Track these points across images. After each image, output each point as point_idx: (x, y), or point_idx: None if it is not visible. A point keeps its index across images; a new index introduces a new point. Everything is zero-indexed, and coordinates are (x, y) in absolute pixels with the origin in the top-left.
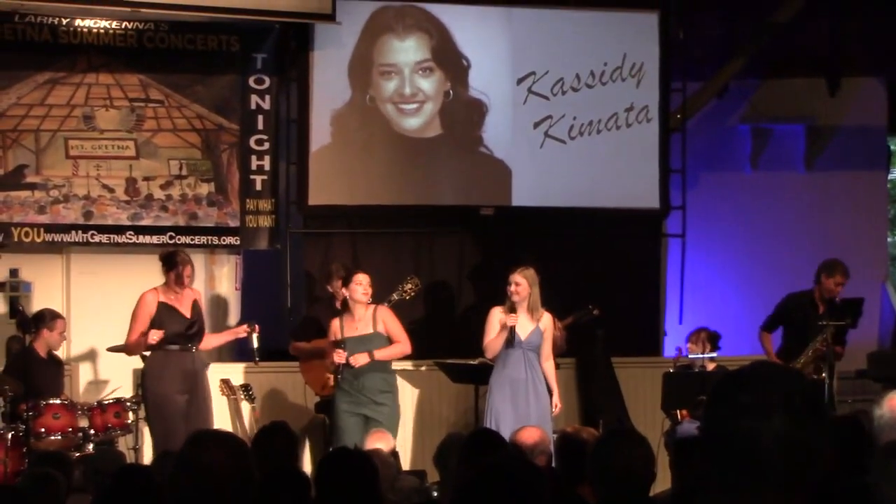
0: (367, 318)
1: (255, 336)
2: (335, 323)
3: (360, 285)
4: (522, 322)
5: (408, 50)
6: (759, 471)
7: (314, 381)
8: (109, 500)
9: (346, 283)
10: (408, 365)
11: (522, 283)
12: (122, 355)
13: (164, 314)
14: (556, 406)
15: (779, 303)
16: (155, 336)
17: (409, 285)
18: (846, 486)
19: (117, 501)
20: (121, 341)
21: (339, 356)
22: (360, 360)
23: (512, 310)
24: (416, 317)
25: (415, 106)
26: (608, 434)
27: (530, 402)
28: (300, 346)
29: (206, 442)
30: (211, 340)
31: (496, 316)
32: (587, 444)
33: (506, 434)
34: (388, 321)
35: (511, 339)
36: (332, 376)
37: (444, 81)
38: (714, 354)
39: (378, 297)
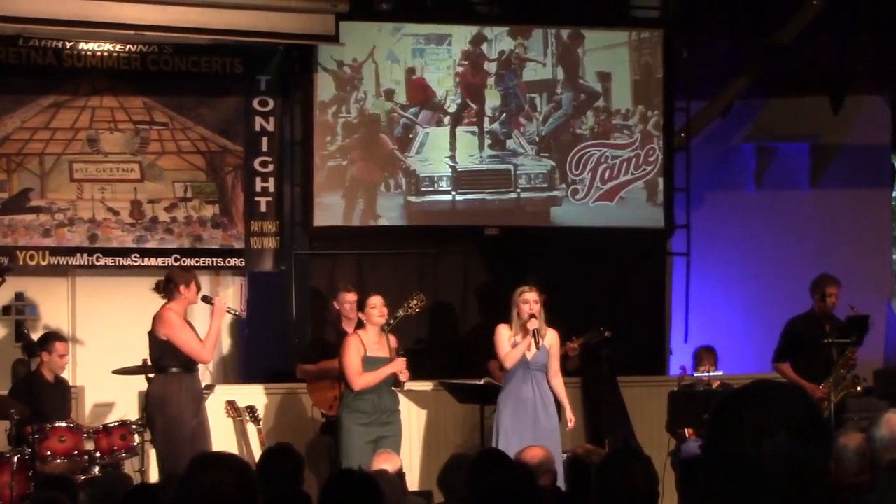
0: (382, 341)
1: (232, 311)
2: (357, 340)
3: (376, 308)
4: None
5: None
6: (762, 489)
7: (321, 400)
8: None
9: (361, 307)
10: (413, 385)
11: (538, 299)
12: (128, 378)
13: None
14: (570, 420)
15: (784, 330)
16: (223, 305)
17: (415, 301)
18: None
19: None
20: (127, 363)
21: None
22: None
23: (523, 329)
24: (421, 336)
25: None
26: (612, 455)
27: (540, 420)
28: (307, 368)
29: (210, 464)
30: (210, 342)
31: (505, 332)
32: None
33: (513, 453)
34: (394, 349)
35: (536, 343)
36: (338, 395)
37: None
38: (720, 373)
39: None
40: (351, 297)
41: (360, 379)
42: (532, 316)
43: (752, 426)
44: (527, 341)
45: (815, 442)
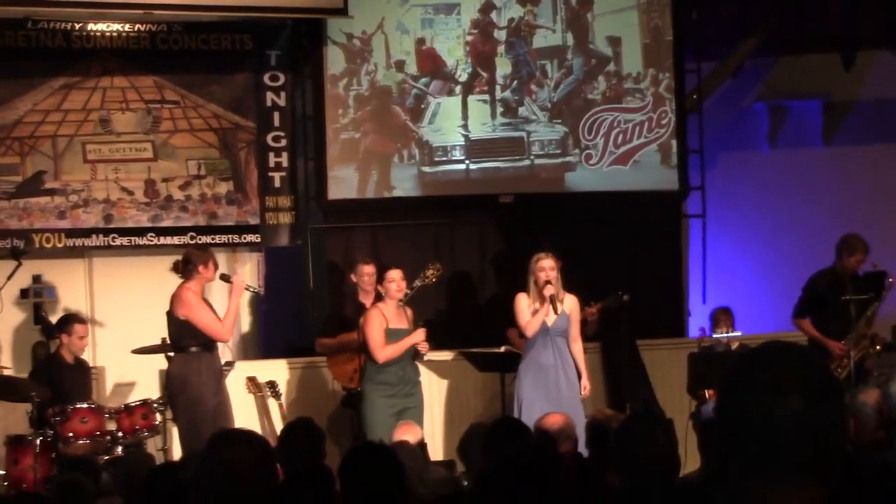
0: (401, 314)
1: (250, 288)
2: (379, 312)
3: (394, 282)
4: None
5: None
6: (776, 451)
7: (341, 373)
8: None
9: (380, 279)
10: (434, 355)
11: (554, 266)
12: (148, 357)
13: (211, 310)
14: (584, 388)
15: (806, 286)
16: (241, 283)
17: (431, 270)
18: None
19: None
20: (147, 343)
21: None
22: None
23: (541, 296)
24: (439, 306)
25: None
26: (631, 419)
27: (561, 388)
28: (326, 342)
29: (230, 440)
30: (229, 320)
31: (524, 301)
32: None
33: (531, 420)
34: (411, 321)
35: (555, 308)
36: (358, 367)
37: None
38: (738, 333)
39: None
40: (369, 270)
41: (384, 351)
42: (547, 282)
43: (764, 388)
44: (545, 308)
45: (827, 402)
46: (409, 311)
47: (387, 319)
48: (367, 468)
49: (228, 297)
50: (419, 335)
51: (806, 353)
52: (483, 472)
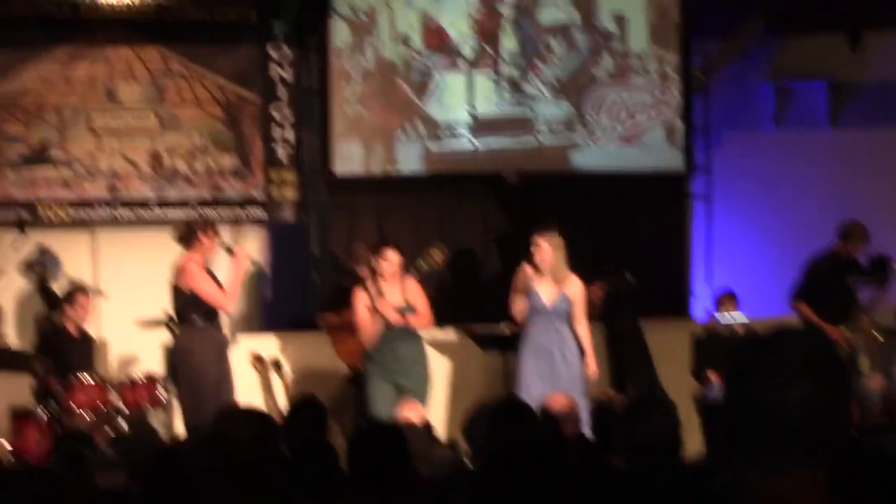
0: (394, 289)
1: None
2: (363, 295)
3: (388, 262)
4: (548, 288)
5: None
6: (784, 435)
7: (345, 352)
8: (147, 490)
9: (377, 253)
10: (437, 333)
11: (544, 246)
12: (152, 330)
13: (215, 281)
14: (591, 370)
15: (806, 269)
16: (244, 255)
17: (437, 252)
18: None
19: (154, 491)
20: (150, 315)
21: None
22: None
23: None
24: (443, 284)
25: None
26: (635, 402)
27: (559, 369)
28: (330, 317)
29: (234, 417)
30: (233, 291)
31: (520, 275)
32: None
33: (535, 401)
34: (413, 293)
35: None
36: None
37: None
38: (742, 315)
39: (405, 266)
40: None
41: (364, 336)
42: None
43: (773, 373)
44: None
45: (835, 387)
46: (408, 283)
47: (372, 299)
48: (376, 448)
49: (232, 269)
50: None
51: (813, 338)
52: (488, 455)
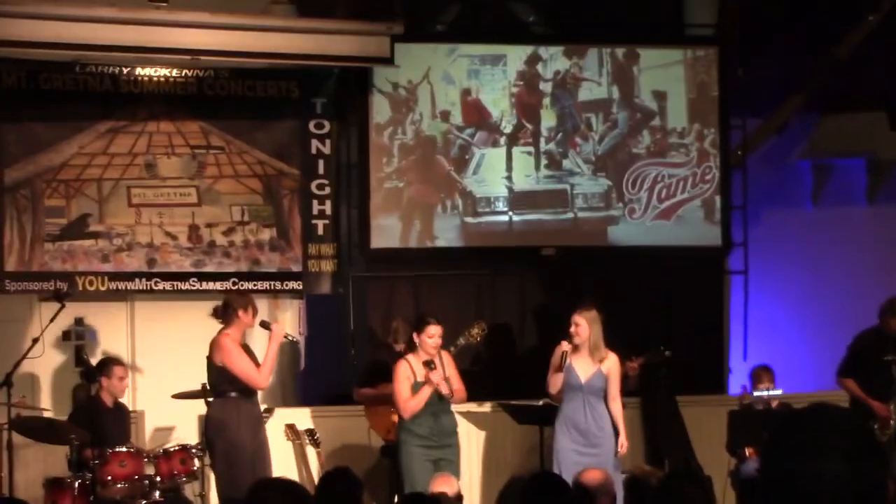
0: (436, 362)
1: (289, 337)
2: (406, 366)
3: (433, 338)
4: (584, 364)
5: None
6: None
7: (379, 425)
8: None
9: (419, 329)
10: (473, 407)
11: (582, 324)
12: (187, 402)
13: (250, 356)
14: (622, 446)
15: (851, 344)
16: (281, 331)
17: (476, 329)
18: None
19: None
20: (187, 388)
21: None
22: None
23: (575, 349)
24: (480, 358)
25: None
26: (670, 476)
27: (593, 444)
28: (365, 392)
29: (269, 489)
30: (267, 367)
31: (557, 352)
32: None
33: (569, 476)
34: (449, 367)
35: (562, 367)
36: (397, 420)
37: None
38: (779, 392)
39: (444, 340)
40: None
41: (407, 405)
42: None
43: (809, 449)
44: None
45: (870, 464)
46: (447, 357)
47: (415, 373)
48: None
49: (267, 344)
50: (432, 380)
51: (849, 415)
52: None
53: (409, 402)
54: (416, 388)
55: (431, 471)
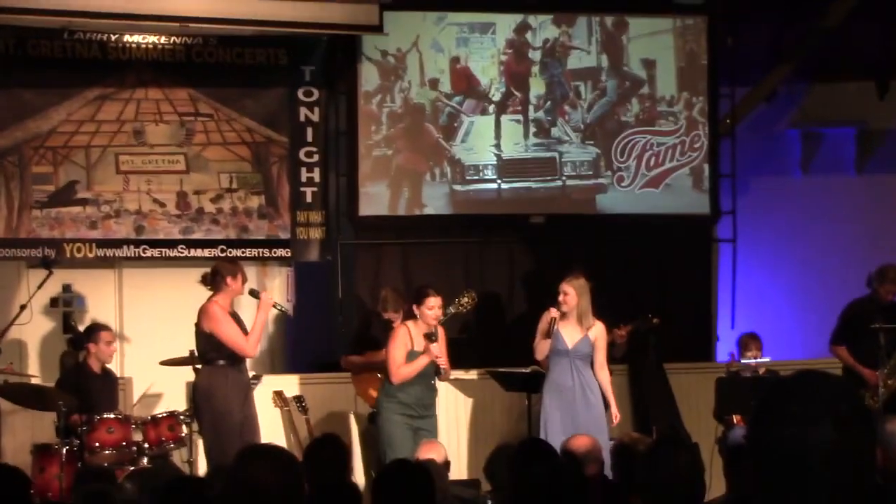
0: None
1: (278, 306)
2: (406, 332)
3: (433, 309)
4: (571, 330)
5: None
6: (807, 479)
7: (366, 392)
8: None
9: (418, 301)
10: (460, 374)
11: (570, 293)
12: (175, 369)
13: (238, 324)
14: (615, 417)
15: (843, 313)
16: (269, 300)
17: (467, 298)
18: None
19: None
20: (174, 355)
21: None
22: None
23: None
24: (468, 326)
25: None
26: (657, 443)
27: (579, 410)
28: (353, 359)
29: (256, 457)
30: (255, 336)
31: (546, 316)
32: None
33: (557, 442)
34: (441, 340)
35: (549, 333)
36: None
37: None
38: (767, 359)
39: None
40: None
41: (400, 372)
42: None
43: (796, 415)
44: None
45: (859, 431)
46: (439, 331)
47: (413, 341)
48: (404, 486)
49: (256, 313)
50: (432, 352)
51: (837, 382)
52: (511, 495)
53: (403, 368)
54: (411, 356)
55: (412, 439)
